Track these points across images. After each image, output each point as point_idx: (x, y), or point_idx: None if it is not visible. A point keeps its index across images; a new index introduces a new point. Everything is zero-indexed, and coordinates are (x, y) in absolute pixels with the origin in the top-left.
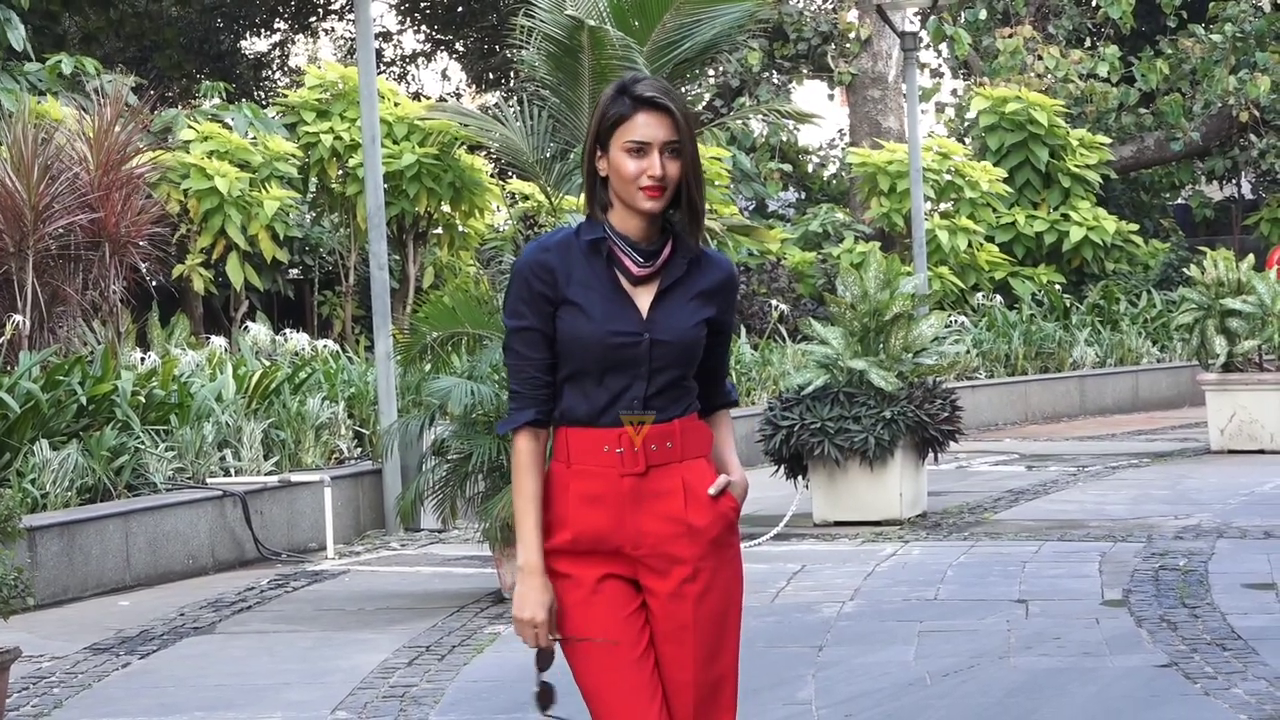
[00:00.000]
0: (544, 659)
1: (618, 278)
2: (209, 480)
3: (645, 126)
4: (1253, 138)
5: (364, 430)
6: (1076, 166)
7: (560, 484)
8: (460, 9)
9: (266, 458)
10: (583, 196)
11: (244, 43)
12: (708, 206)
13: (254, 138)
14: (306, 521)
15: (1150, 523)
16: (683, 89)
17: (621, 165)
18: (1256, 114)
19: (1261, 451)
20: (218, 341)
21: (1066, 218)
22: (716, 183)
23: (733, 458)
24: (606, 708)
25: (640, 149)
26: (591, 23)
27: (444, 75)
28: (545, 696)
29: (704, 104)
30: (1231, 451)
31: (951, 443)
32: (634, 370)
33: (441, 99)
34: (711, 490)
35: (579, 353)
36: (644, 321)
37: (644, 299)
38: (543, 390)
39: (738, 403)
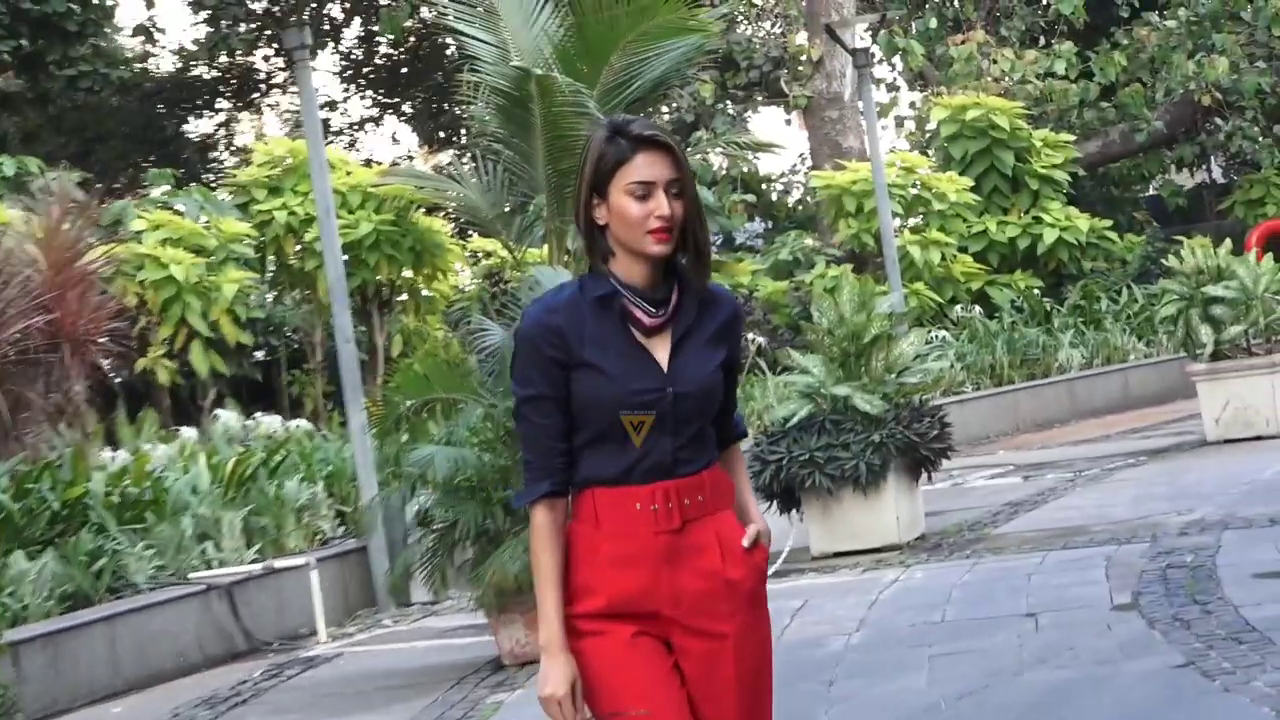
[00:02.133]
0: None
1: (631, 332)
2: (191, 575)
3: (647, 166)
4: (1218, 121)
5: (345, 508)
6: (1043, 168)
7: (588, 547)
8: (404, 70)
9: (249, 546)
10: (545, 248)
11: (187, 126)
12: None
13: (206, 221)
14: (295, 607)
15: (1153, 521)
16: None
17: (626, 209)
18: (1219, 96)
19: (1259, 438)
20: (188, 432)
21: (1038, 220)
22: None
23: (752, 500)
24: None
25: (644, 190)
26: (538, 71)
27: (394, 139)
28: None
29: None
30: (1228, 441)
31: (944, 460)
32: (659, 427)
33: (394, 163)
34: (745, 542)
35: (602, 415)
36: (665, 375)
37: (660, 351)
38: (559, 459)
39: (747, 434)
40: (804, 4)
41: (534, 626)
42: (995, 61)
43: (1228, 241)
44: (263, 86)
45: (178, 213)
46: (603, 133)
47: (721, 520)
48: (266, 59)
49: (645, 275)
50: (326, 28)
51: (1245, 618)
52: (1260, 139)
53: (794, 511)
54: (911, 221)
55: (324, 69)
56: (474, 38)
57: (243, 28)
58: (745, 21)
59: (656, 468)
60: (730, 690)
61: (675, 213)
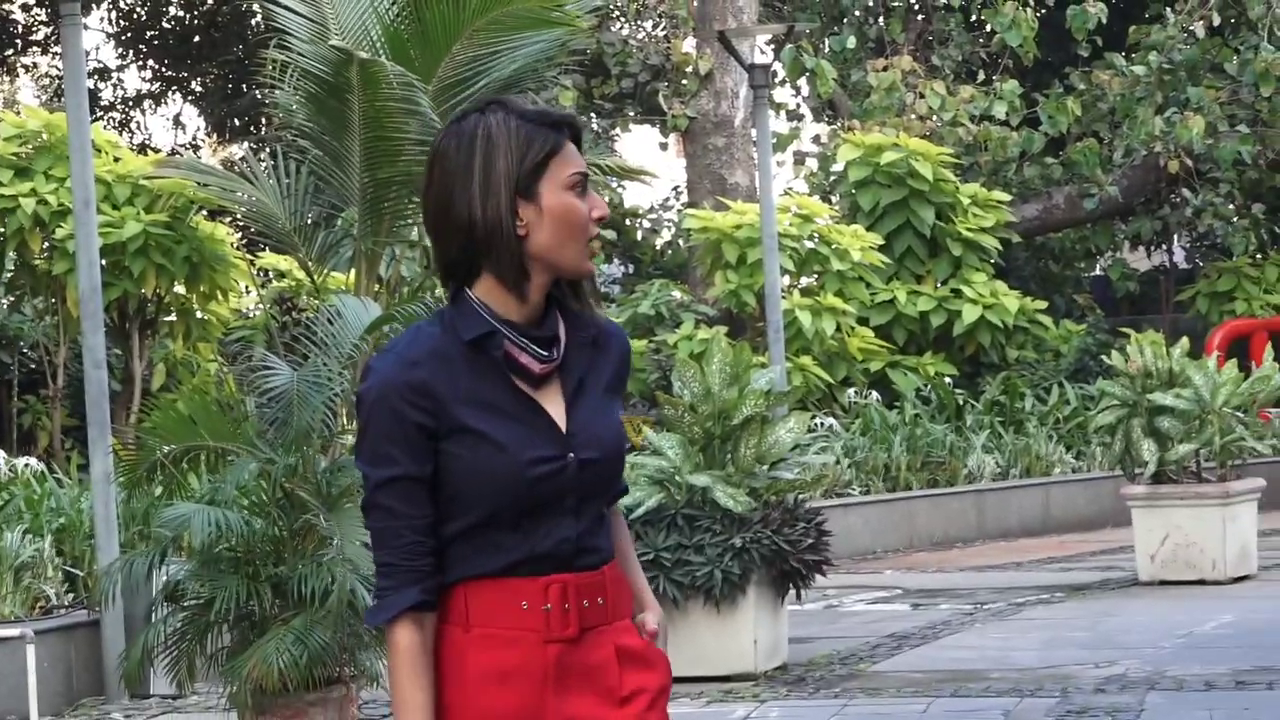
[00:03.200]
0: None
1: (515, 384)
2: None
3: (575, 155)
4: (1186, 192)
5: (77, 571)
6: (969, 230)
7: (454, 655)
8: (197, 39)
9: None
10: (353, 273)
11: None
12: None
13: None
14: (4, 687)
15: (1065, 673)
16: None
17: (571, 210)
18: (1189, 163)
19: (1201, 582)
20: None
21: (958, 294)
22: None
23: (642, 577)
24: None
25: (583, 185)
26: (363, 55)
27: (176, 122)
28: None
29: None
30: (1164, 582)
31: (818, 576)
32: (559, 505)
33: (174, 152)
34: (654, 639)
35: (487, 496)
36: (564, 438)
37: (554, 406)
38: (425, 560)
39: (628, 490)
40: (695, 3)
41: None
42: (922, 96)
43: (1185, 340)
44: (19, 43)
45: None
46: (501, 115)
47: (621, 631)
48: (27, 8)
49: (528, 308)
50: None
51: None
52: (1234, 219)
53: None
54: (804, 281)
55: (96, 28)
56: (285, 7)
57: None
58: (622, 19)
59: (550, 558)
60: None
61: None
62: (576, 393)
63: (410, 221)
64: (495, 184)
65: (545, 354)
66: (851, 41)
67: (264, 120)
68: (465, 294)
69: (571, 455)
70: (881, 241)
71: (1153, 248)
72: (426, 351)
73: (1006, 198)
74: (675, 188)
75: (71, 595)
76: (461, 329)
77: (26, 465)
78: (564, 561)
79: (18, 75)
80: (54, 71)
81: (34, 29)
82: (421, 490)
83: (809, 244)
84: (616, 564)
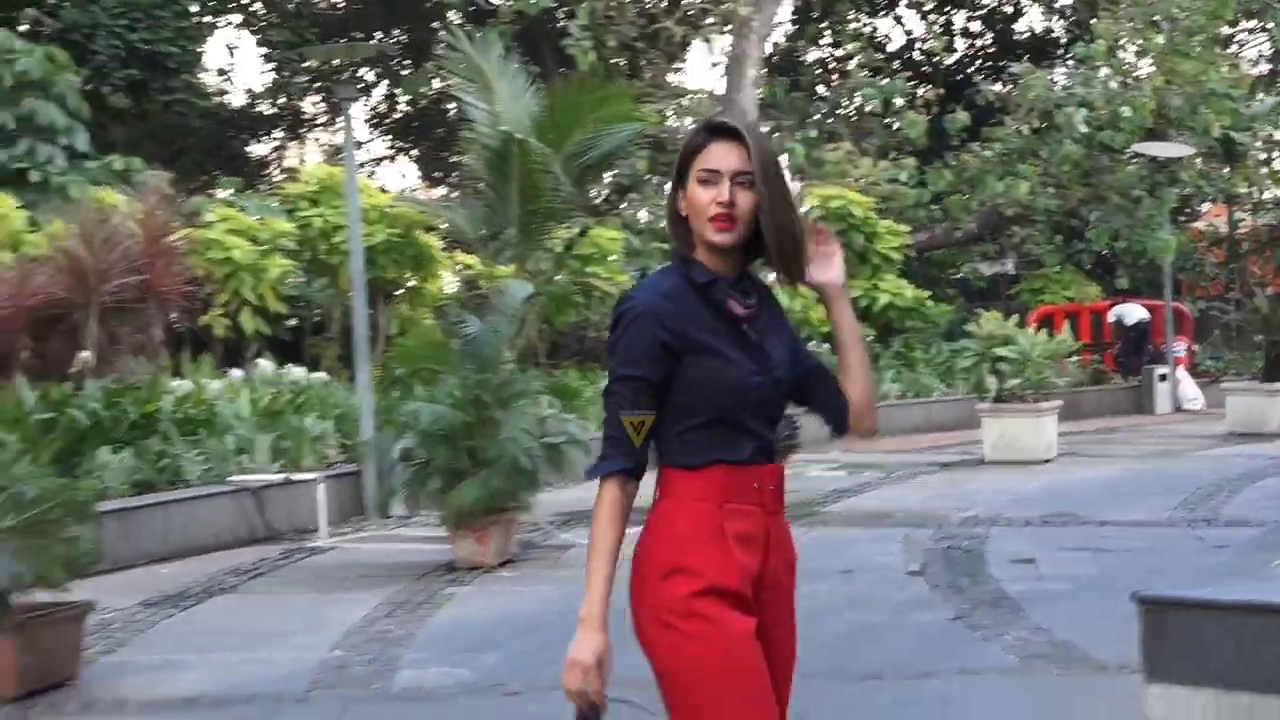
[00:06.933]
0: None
1: (728, 320)
2: (230, 478)
3: (717, 155)
4: (1015, 228)
5: (348, 441)
6: (884, 249)
7: (712, 526)
8: (415, 123)
9: (274, 461)
10: (513, 266)
11: (249, 148)
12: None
13: (261, 219)
14: (304, 510)
15: (940, 514)
16: (586, 189)
17: (694, 195)
18: (1019, 210)
19: (1023, 462)
20: (235, 374)
21: (876, 287)
22: (611, 257)
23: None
24: None
25: (711, 178)
26: (520, 136)
27: (402, 175)
28: None
29: (601, 199)
30: (1000, 462)
31: (792, 454)
32: (767, 410)
33: (402, 193)
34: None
35: (720, 397)
36: (768, 361)
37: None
38: (639, 440)
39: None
40: (718, 109)
41: (482, 541)
42: (857, 166)
43: (1015, 317)
44: (307, 125)
45: (241, 210)
46: (695, 127)
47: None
48: (313, 104)
49: (726, 266)
50: (361, 86)
51: (1003, 590)
52: (1046, 244)
53: None
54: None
55: (355, 116)
56: (473, 104)
57: (299, 79)
58: (675, 116)
59: (763, 452)
60: (791, 665)
61: (737, 201)
62: (763, 332)
63: (546, 237)
64: (674, 178)
65: (749, 301)
66: (813, 133)
67: (455, 173)
68: (692, 256)
69: (775, 374)
70: None
71: (994, 261)
72: (672, 289)
73: (906, 229)
74: None
75: (344, 456)
76: (695, 275)
77: (317, 378)
78: (769, 455)
79: (305, 144)
80: (330, 142)
81: (317, 116)
82: (650, 391)
83: None
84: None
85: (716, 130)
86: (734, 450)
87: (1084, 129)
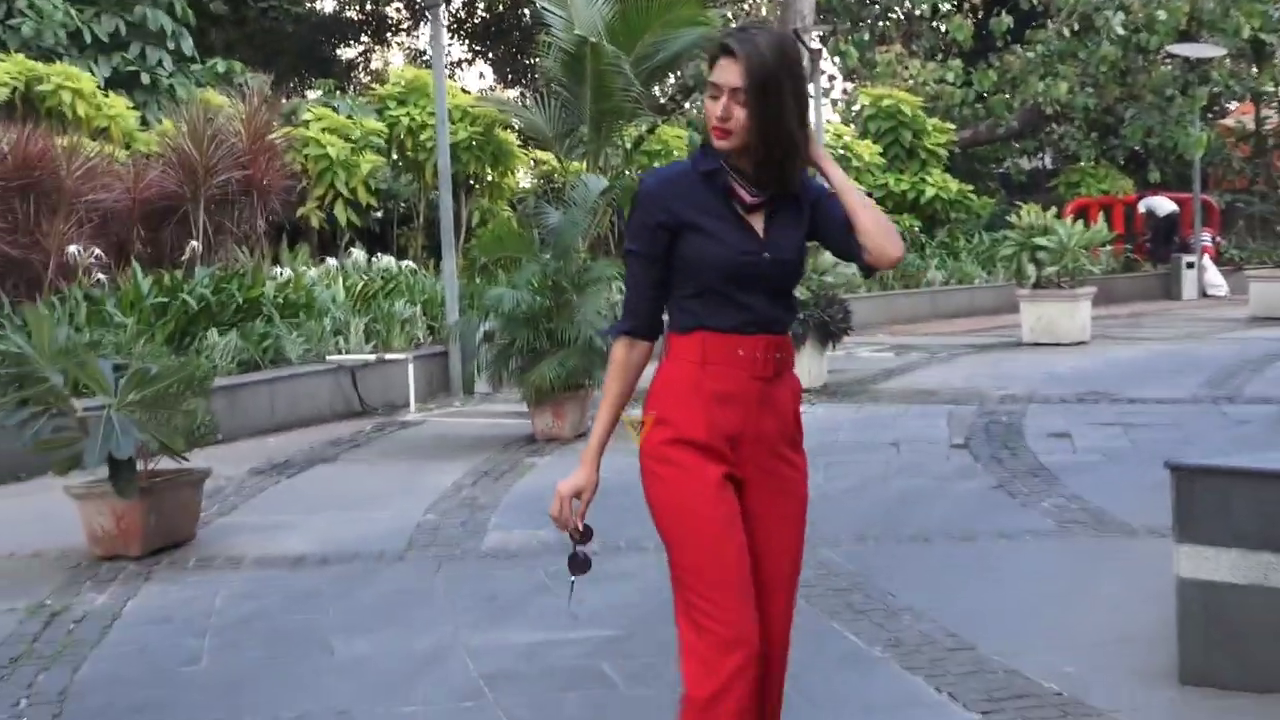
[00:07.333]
0: (581, 565)
1: (732, 205)
2: (328, 357)
3: (719, 72)
4: (1054, 125)
5: (435, 324)
6: (931, 144)
7: (692, 384)
8: (493, 28)
9: (367, 342)
10: (585, 162)
11: (338, 51)
12: None
13: (352, 118)
14: (396, 387)
15: (981, 391)
16: (653, 88)
17: (706, 105)
18: (1058, 109)
19: (1058, 344)
20: (330, 262)
21: (923, 180)
22: (675, 153)
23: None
24: (706, 584)
25: (715, 92)
26: (593, 39)
27: (480, 76)
28: (580, 565)
29: (668, 98)
30: (1037, 344)
31: (845, 337)
32: (758, 286)
33: (482, 93)
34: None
35: (707, 271)
36: (762, 241)
37: (757, 224)
38: (645, 305)
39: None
40: (778, 13)
41: (560, 416)
42: (906, 68)
43: (1053, 209)
44: (392, 29)
45: (334, 110)
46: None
47: (791, 380)
48: (396, 9)
49: (751, 164)
50: None
51: (1041, 461)
52: (1083, 141)
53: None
54: None
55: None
56: (549, 10)
57: None
58: (736, 21)
59: (756, 322)
60: (790, 523)
61: (732, 116)
62: (772, 218)
63: (616, 135)
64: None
65: (756, 191)
66: (866, 36)
67: (531, 75)
68: (713, 148)
69: (766, 254)
70: (881, 150)
71: (1033, 156)
72: (675, 175)
73: (952, 126)
74: None
75: (432, 338)
76: (700, 164)
77: (405, 265)
78: (764, 326)
79: (391, 48)
80: (414, 46)
81: (401, 21)
82: (649, 265)
83: (839, 151)
84: (790, 337)
85: (724, 48)
86: (719, 318)
87: (1121, 31)
